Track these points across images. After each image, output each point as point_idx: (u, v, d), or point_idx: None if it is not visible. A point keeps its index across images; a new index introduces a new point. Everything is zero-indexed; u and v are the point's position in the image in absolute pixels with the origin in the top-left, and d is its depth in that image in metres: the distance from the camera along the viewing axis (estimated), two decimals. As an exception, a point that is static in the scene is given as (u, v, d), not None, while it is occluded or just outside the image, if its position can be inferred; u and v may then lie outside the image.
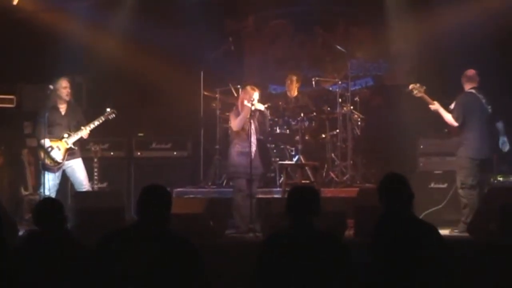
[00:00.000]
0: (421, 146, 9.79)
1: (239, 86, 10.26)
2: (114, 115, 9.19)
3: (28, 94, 10.14)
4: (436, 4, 10.48)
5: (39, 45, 10.42)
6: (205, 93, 10.34)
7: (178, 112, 10.88)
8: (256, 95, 8.50)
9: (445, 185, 9.47)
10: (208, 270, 4.36)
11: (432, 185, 9.56)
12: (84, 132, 9.07)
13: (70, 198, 8.55)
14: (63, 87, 9.06)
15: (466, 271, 5.65)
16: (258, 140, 8.75)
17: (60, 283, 4.37)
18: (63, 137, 9.03)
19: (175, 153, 10.54)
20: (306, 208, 4.51)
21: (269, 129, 9.67)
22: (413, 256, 4.41)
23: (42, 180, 8.91)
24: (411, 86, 8.76)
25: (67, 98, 9.12)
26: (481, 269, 6.20)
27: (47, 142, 8.96)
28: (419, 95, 8.70)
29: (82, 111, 9.41)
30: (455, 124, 8.45)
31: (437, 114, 8.61)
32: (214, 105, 10.32)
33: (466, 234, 7.66)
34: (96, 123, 9.13)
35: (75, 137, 9.05)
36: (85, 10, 10.64)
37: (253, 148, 8.48)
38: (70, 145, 9.02)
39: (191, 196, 9.42)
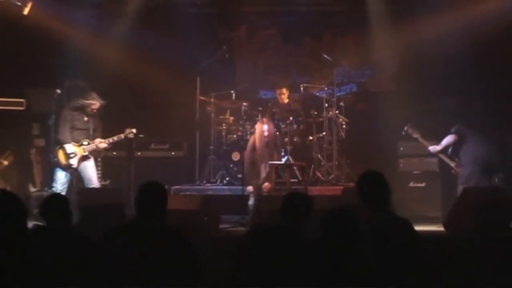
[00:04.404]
0: (401, 148, 10.02)
1: (232, 92, 10.62)
2: (132, 134, 9.37)
3: (36, 98, 10.20)
4: (416, 14, 10.62)
5: (46, 52, 10.52)
6: (201, 97, 10.50)
7: (176, 115, 11.05)
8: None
9: (423, 184, 9.78)
10: (202, 263, 4.44)
11: (411, 184, 9.83)
12: (102, 145, 9.27)
13: (74, 194, 8.59)
14: (92, 108, 9.20)
15: (442, 265, 5.65)
16: None
17: (65, 276, 4.32)
18: (82, 144, 9.20)
19: (172, 153, 10.77)
20: (298, 215, 4.72)
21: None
22: (388, 251, 4.38)
23: (54, 177, 9.09)
24: (406, 127, 9.25)
25: (90, 113, 9.27)
26: (456, 263, 6.24)
27: (71, 148, 9.13)
28: (414, 136, 9.19)
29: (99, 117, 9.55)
30: (454, 138, 8.97)
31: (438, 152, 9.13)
32: (209, 108, 10.49)
33: (442, 229, 7.67)
34: (116, 138, 9.33)
35: (93, 146, 9.22)
36: (89, 19, 10.77)
37: None
38: (87, 153, 9.21)
39: (187, 193, 9.57)
